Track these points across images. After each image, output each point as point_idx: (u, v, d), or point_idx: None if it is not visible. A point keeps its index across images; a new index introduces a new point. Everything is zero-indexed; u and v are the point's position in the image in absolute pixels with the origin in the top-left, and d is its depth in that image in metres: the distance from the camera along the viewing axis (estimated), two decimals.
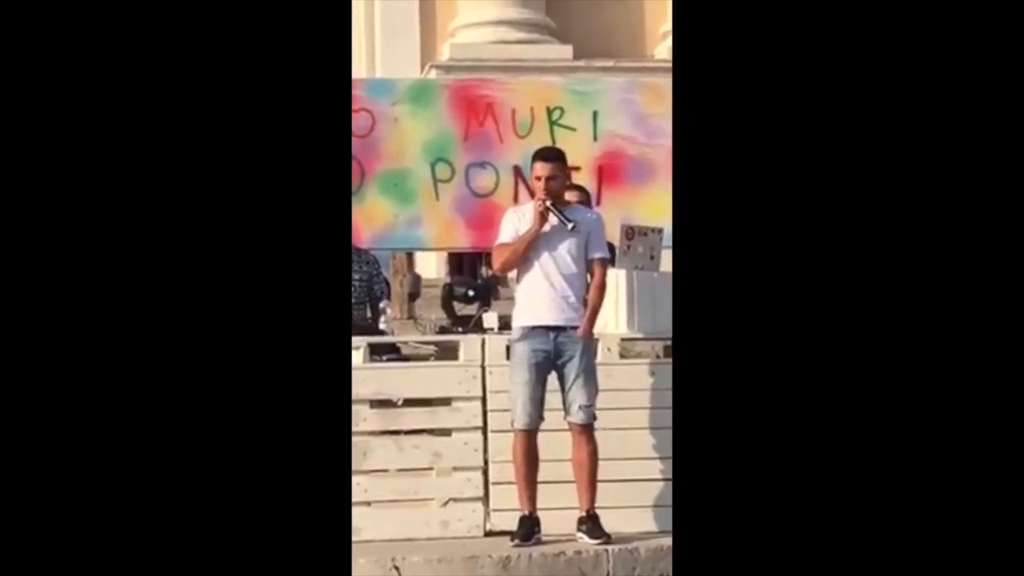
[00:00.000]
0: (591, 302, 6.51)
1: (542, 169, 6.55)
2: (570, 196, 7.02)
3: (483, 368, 6.74)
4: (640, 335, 7.03)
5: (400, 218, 7.92)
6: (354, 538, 6.05)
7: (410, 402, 6.86)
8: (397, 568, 6.14)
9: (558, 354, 6.43)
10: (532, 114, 8.00)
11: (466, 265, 10.66)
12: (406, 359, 7.50)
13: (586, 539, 6.34)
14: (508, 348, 6.58)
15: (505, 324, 7.43)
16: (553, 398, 6.47)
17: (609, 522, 6.39)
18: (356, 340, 6.77)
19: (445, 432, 6.75)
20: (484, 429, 6.71)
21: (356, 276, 7.50)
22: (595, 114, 8.02)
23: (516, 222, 6.59)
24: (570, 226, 6.46)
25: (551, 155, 6.69)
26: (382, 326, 7.66)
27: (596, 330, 6.60)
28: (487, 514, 6.67)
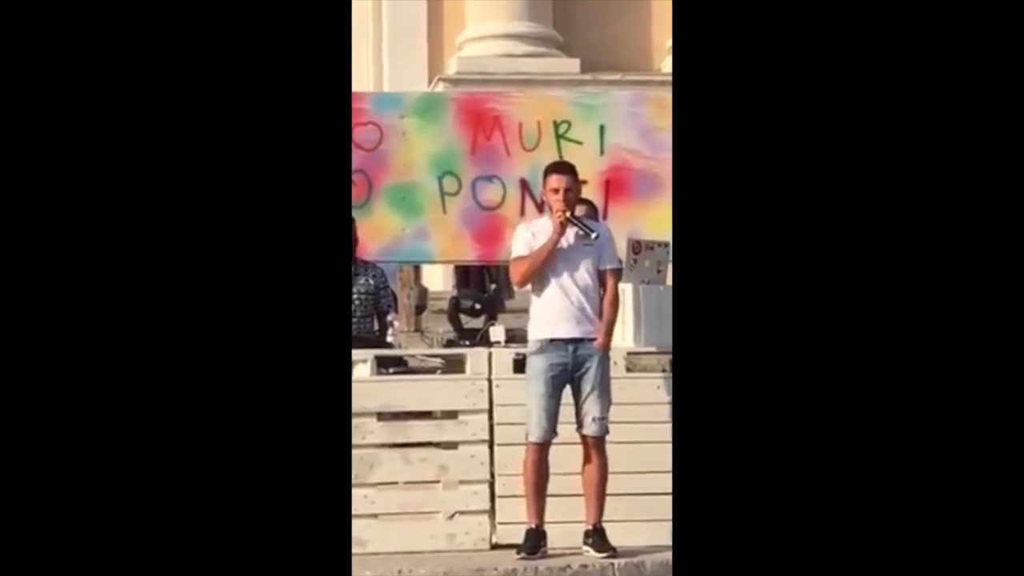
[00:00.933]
0: (606, 314, 6.53)
1: (558, 181, 6.56)
2: (579, 210, 7.02)
3: (490, 381, 6.76)
4: (647, 349, 7.04)
5: (407, 231, 7.95)
6: (360, 550, 6.08)
7: (417, 415, 6.87)
8: None
9: (576, 366, 6.44)
10: (539, 127, 8.02)
11: (473, 278, 10.64)
12: (413, 372, 7.50)
13: (592, 553, 6.35)
14: (524, 360, 6.58)
15: (512, 337, 7.43)
16: (561, 411, 6.47)
17: (615, 536, 6.40)
18: (363, 353, 6.79)
19: (452, 445, 6.76)
20: (491, 442, 6.72)
21: (363, 289, 7.50)
22: (602, 128, 8.04)
23: (529, 236, 6.60)
24: (593, 236, 6.47)
25: (566, 168, 6.71)
26: (389, 339, 7.65)
27: None
28: (493, 527, 6.67)
